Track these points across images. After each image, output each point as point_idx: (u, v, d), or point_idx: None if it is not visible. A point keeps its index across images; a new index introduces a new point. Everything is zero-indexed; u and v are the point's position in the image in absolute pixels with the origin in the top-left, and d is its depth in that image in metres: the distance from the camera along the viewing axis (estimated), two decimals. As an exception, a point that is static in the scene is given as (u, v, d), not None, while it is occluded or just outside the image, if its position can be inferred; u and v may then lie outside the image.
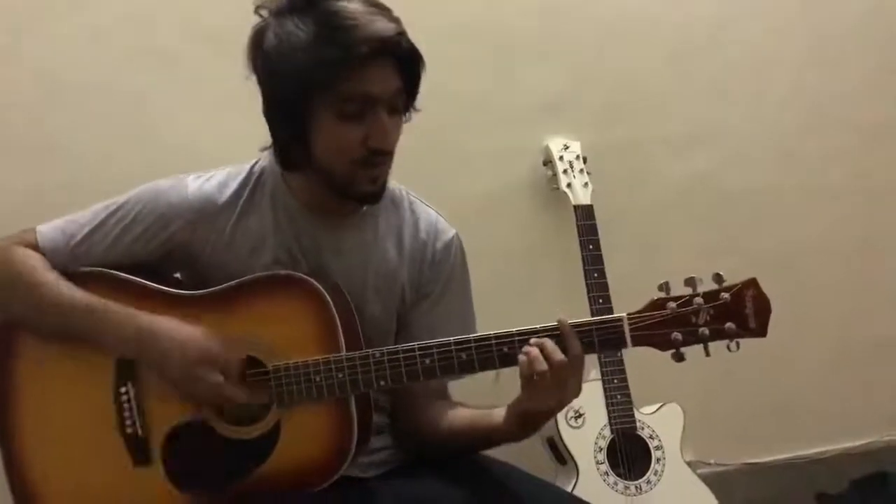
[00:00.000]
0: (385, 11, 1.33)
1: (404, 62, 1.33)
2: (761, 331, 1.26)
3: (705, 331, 1.26)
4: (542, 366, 1.24)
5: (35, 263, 1.40)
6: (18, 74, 1.95)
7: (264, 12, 1.35)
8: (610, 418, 2.01)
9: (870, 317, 2.47)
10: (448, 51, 2.12)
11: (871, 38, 2.44)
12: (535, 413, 1.32)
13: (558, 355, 1.24)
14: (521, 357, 1.26)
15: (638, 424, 2.03)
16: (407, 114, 1.39)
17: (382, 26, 1.29)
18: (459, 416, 1.45)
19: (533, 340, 1.26)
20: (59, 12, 1.96)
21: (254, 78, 1.36)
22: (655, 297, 1.27)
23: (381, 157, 1.35)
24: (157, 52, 2.00)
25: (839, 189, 2.45)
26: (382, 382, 1.31)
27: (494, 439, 1.40)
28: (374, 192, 1.38)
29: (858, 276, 2.47)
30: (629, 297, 2.03)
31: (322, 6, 1.30)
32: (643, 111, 2.31)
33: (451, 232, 1.51)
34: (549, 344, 1.25)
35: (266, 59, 1.33)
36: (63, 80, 1.97)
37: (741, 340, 1.26)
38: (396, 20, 1.33)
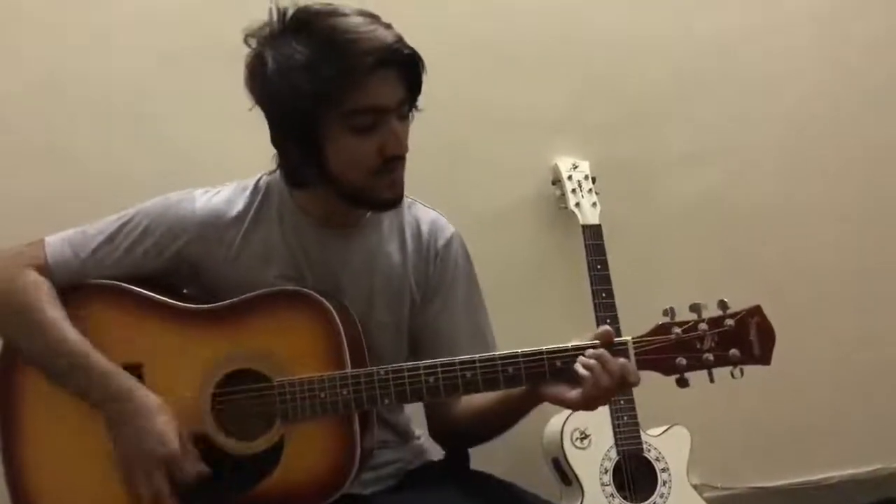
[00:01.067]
0: (378, 20, 1.33)
1: (407, 68, 1.33)
2: (765, 359, 1.27)
3: (709, 357, 1.27)
4: (605, 378, 1.25)
5: (40, 292, 1.37)
6: (25, 82, 1.96)
7: (253, 42, 1.35)
8: (616, 440, 2.00)
9: (879, 340, 2.46)
10: (458, 69, 2.13)
11: (880, 55, 2.45)
12: (556, 403, 1.33)
13: (616, 370, 1.25)
14: (584, 373, 1.25)
15: (644, 446, 2.02)
16: (411, 113, 1.40)
17: (382, 35, 1.30)
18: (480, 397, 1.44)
19: (591, 353, 1.26)
20: (66, 20, 1.97)
21: (257, 107, 1.36)
22: (660, 322, 1.28)
23: (397, 161, 1.36)
24: (165, 59, 2.01)
25: (848, 208, 2.44)
26: (387, 401, 1.31)
27: (522, 411, 1.41)
28: (395, 198, 1.39)
29: (868, 297, 2.45)
30: (636, 317, 2.02)
31: (317, 25, 1.30)
32: (652, 130, 2.32)
33: (450, 229, 1.53)
34: (606, 357, 1.26)
35: (268, 85, 1.32)
36: (70, 88, 1.98)
37: (745, 368, 1.27)
38: (389, 26, 1.33)
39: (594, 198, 2.15)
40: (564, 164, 2.19)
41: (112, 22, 2.00)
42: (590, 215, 2.13)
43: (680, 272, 2.30)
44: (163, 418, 1.31)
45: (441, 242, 1.50)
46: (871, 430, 2.46)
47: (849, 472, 2.46)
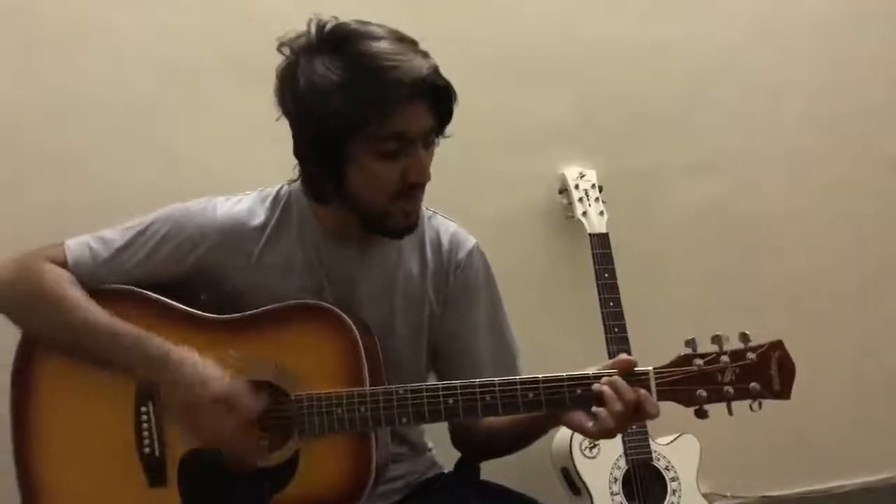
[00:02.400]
0: (415, 46, 1.33)
1: (439, 98, 1.33)
2: (785, 394, 1.28)
3: (730, 389, 1.27)
4: (618, 406, 1.24)
5: (61, 280, 1.39)
6: (39, 92, 1.97)
7: (287, 50, 1.35)
8: (625, 448, 1.99)
9: (890, 347, 2.45)
10: (465, 77, 2.12)
11: (887, 64, 2.44)
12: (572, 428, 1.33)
13: (631, 403, 1.25)
14: (600, 410, 1.25)
15: (654, 455, 2.01)
16: (437, 140, 1.39)
17: (418, 64, 1.29)
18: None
19: (606, 380, 1.26)
20: (79, 30, 1.99)
21: (283, 117, 1.36)
22: (682, 353, 1.28)
23: (417, 189, 1.36)
24: (177, 69, 2.02)
25: (855, 217, 2.43)
26: (405, 420, 1.31)
27: (536, 432, 1.42)
28: (408, 226, 1.39)
29: (876, 306, 2.44)
30: (644, 326, 2.03)
31: (353, 46, 1.29)
32: (659, 139, 2.32)
33: (471, 241, 1.52)
34: (622, 385, 1.25)
35: (299, 101, 1.32)
36: (83, 97, 1.99)
37: (764, 401, 1.28)
38: (427, 54, 1.32)
39: (601, 207, 2.15)
40: (571, 174, 2.19)
41: (124, 35, 2.01)
42: (597, 224, 2.13)
43: (687, 281, 2.29)
44: (206, 364, 1.32)
45: (461, 255, 1.50)
46: (883, 438, 2.45)
47: (860, 480, 2.45)
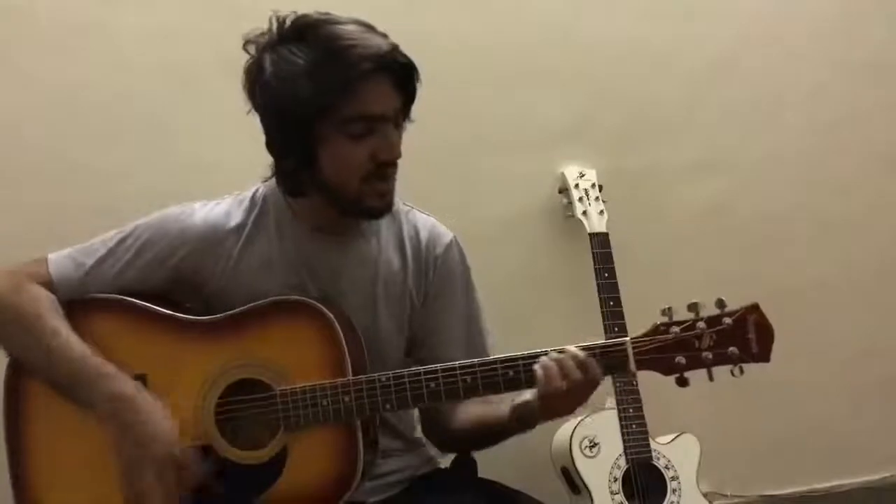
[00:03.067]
0: (374, 29, 1.35)
1: (402, 77, 1.35)
2: (764, 356, 1.27)
3: (708, 355, 1.27)
4: (558, 382, 1.26)
5: (38, 306, 1.38)
6: (39, 92, 1.98)
7: (252, 48, 1.38)
8: (625, 448, 1.99)
9: (888, 348, 2.45)
10: (464, 78, 2.14)
11: (887, 64, 2.44)
12: (541, 418, 1.35)
13: (576, 374, 1.26)
14: (539, 372, 1.27)
15: (654, 454, 2.01)
16: (405, 122, 1.41)
17: (378, 42, 1.32)
18: (471, 411, 1.48)
19: (552, 356, 1.28)
20: (79, 33, 1.99)
21: (254, 112, 1.38)
22: (658, 322, 1.29)
23: (389, 168, 1.38)
24: (177, 73, 2.03)
25: (856, 218, 2.44)
26: (388, 406, 1.32)
27: (502, 434, 1.45)
28: (383, 207, 1.40)
29: (876, 306, 2.44)
30: (644, 324, 2.03)
31: (315, 32, 1.33)
32: (658, 139, 2.32)
33: (449, 235, 1.54)
34: (567, 362, 1.27)
35: (266, 90, 1.35)
36: (83, 98, 2.00)
37: (745, 366, 1.27)
38: (386, 36, 1.35)
39: (601, 206, 2.15)
40: (571, 173, 2.20)
41: (123, 35, 2.02)
42: (597, 223, 2.13)
43: (687, 280, 2.29)
44: (164, 421, 1.31)
45: (440, 249, 1.51)
46: (883, 437, 2.45)
47: (860, 479, 2.45)
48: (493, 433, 1.46)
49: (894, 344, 2.46)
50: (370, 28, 1.35)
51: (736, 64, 2.36)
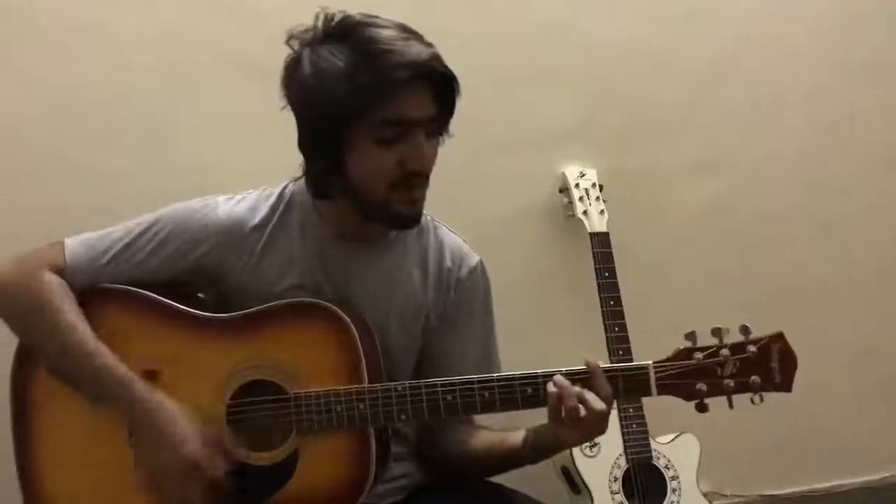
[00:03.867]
0: (418, 36, 1.33)
1: (440, 86, 1.33)
2: (786, 385, 1.27)
3: (730, 383, 1.26)
4: (573, 402, 1.25)
5: (53, 297, 1.37)
6: (39, 92, 1.98)
7: (295, 44, 1.36)
8: (625, 447, 1.99)
9: (888, 348, 2.45)
10: (465, 78, 2.13)
11: (888, 64, 2.44)
12: (556, 446, 1.34)
13: (589, 395, 1.25)
14: (552, 391, 1.26)
15: (654, 454, 2.01)
16: (441, 137, 1.39)
17: (418, 50, 1.30)
18: (480, 439, 1.46)
19: (561, 377, 1.27)
20: (79, 32, 1.99)
21: (288, 108, 1.37)
22: (682, 346, 1.28)
23: (417, 179, 1.35)
24: (178, 72, 2.02)
25: (857, 218, 2.43)
26: (403, 416, 1.31)
27: (512, 463, 1.42)
28: (412, 215, 1.38)
29: (877, 306, 2.44)
30: (644, 326, 2.03)
31: (357, 34, 1.31)
32: (659, 139, 2.32)
33: (475, 258, 1.52)
34: (560, 381, 1.27)
35: (302, 88, 1.33)
36: (83, 98, 1.99)
37: (765, 395, 1.27)
38: (430, 44, 1.33)
39: (602, 206, 2.15)
40: (572, 173, 2.20)
41: (124, 35, 2.01)
42: (597, 223, 2.13)
43: (687, 280, 2.29)
44: (184, 422, 1.31)
45: (464, 271, 1.50)
46: (884, 437, 2.45)
47: (861, 479, 2.45)
48: (502, 461, 1.44)
49: (894, 344, 2.46)
50: (413, 34, 1.33)
51: (736, 64, 2.36)
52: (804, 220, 2.41)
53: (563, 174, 2.21)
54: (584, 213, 2.14)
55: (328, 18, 1.34)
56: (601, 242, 2.10)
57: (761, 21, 2.38)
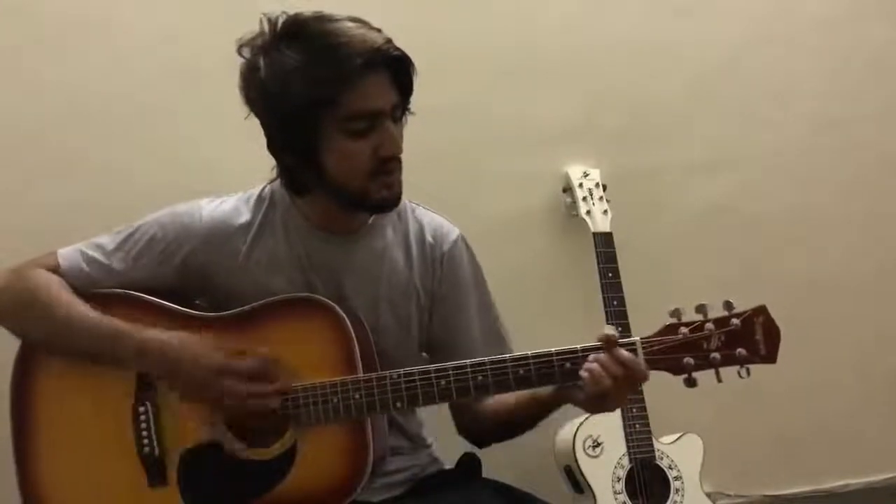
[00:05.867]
0: (368, 24, 1.36)
1: (398, 70, 1.35)
2: (771, 357, 1.29)
3: (716, 356, 1.28)
4: (608, 381, 1.26)
5: (51, 284, 1.41)
6: (40, 92, 1.98)
7: (246, 51, 1.38)
8: (629, 448, 1.99)
9: (891, 348, 2.44)
10: (468, 78, 2.14)
11: (889, 65, 2.44)
12: (587, 411, 1.37)
13: (618, 369, 1.27)
14: (585, 374, 1.27)
15: (657, 454, 2.01)
16: (405, 116, 1.41)
17: (372, 37, 1.32)
18: (504, 398, 1.46)
19: (591, 357, 1.28)
20: (84, 32, 1.99)
21: (252, 115, 1.39)
22: (667, 323, 1.30)
23: (392, 163, 1.37)
24: (182, 72, 2.03)
25: (861, 217, 2.43)
26: (399, 404, 1.33)
27: (542, 415, 1.44)
28: (393, 198, 1.40)
29: (881, 305, 2.44)
30: (648, 325, 2.02)
31: (310, 30, 1.33)
32: (662, 138, 2.32)
33: (455, 232, 1.54)
34: (605, 359, 1.27)
35: (264, 92, 1.35)
36: (84, 98, 1.99)
37: (752, 367, 1.29)
38: (380, 30, 1.35)
39: (605, 205, 2.15)
40: (575, 172, 2.20)
41: (125, 35, 2.01)
42: (601, 223, 2.13)
43: (691, 280, 2.29)
44: (194, 341, 1.34)
45: (446, 246, 1.52)
46: (887, 437, 2.45)
47: (864, 480, 2.44)
48: (531, 416, 1.45)
49: (898, 343, 2.46)
50: (364, 24, 1.35)
51: (740, 63, 2.36)
52: (807, 219, 2.40)
53: (567, 174, 2.21)
54: (588, 212, 2.14)
55: (273, 21, 1.36)
56: (605, 242, 2.10)
57: (765, 21, 2.38)
